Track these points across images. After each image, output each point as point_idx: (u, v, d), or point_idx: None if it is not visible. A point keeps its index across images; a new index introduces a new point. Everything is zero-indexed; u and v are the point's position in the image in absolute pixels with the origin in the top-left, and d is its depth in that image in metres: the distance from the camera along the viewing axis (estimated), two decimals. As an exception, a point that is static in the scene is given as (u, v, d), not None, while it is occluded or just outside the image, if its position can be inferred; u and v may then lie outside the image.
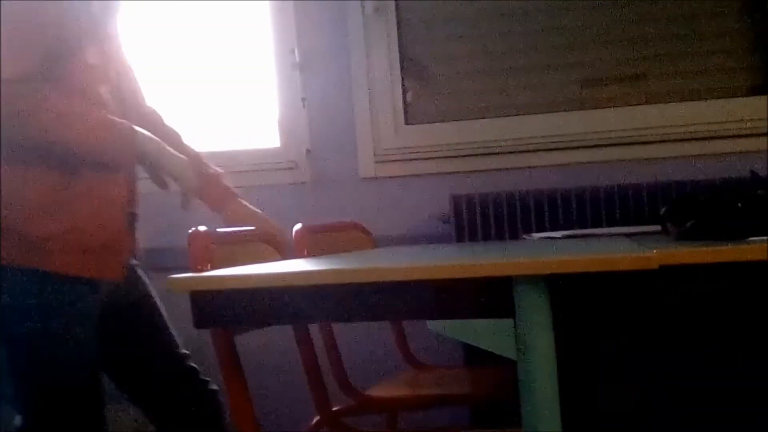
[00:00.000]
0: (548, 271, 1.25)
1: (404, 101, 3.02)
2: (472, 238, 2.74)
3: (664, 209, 1.62)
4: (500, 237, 2.77)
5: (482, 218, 2.77)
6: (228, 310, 1.36)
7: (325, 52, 3.02)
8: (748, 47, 2.89)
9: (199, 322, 1.37)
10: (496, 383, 2.37)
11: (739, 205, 1.51)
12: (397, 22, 3.02)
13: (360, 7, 2.98)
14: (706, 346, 2.62)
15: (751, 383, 2.59)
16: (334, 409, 2.01)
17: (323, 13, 3.01)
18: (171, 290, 1.35)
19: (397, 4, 3.02)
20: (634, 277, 1.30)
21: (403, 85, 3.02)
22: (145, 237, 1.96)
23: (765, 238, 1.47)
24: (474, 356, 2.66)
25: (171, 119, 2.14)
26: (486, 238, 2.76)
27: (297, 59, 3.02)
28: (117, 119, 1.72)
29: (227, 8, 3.16)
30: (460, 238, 2.75)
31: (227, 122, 3.19)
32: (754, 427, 2.60)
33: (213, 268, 1.57)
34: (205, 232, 1.64)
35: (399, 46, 3.02)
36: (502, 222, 2.76)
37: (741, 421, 2.61)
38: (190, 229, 1.61)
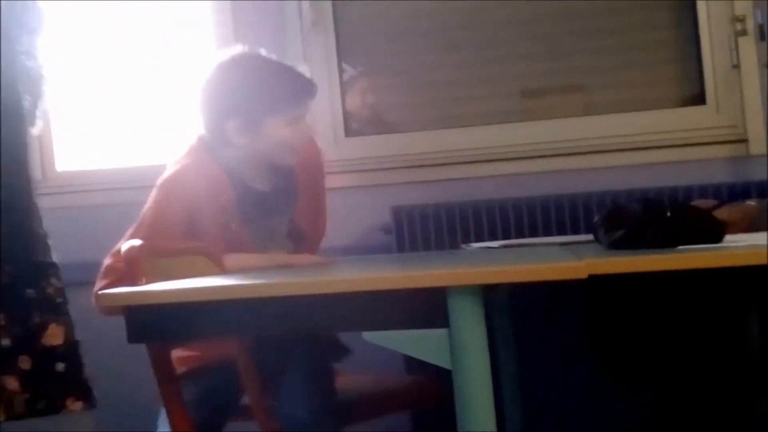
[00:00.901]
0: (480, 281, 1.26)
1: (343, 113, 3.03)
2: (413, 248, 2.76)
3: (595, 219, 1.65)
4: (440, 247, 2.79)
5: (422, 229, 2.79)
6: (162, 325, 1.35)
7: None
8: (681, 59, 2.96)
9: (133, 336, 1.36)
10: (436, 391, 2.39)
11: (668, 214, 1.54)
12: (336, 35, 3.03)
13: (298, 20, 2.99)
14: (633, 355, 2.67)
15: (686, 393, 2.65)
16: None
17: (261, 26, 3.00)
18: (104, 305, 1.33)
19: (335, 17, 3.03)
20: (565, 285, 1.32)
21: (342, 96, 3.03)
22: (77, 251, 1.93)
23: (693, 247, 1.51)
24: (414, 365, 2.66)
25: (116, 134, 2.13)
26: (426, 248, 2.78)
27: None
28: None
29: (165, 18, 3.14)
30: (401, 249, 2.77)
31: (162, 136, 3.15)
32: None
33: (148, 282, 1.55)
34: (139, 245, 1.62)
35: (338, 59, 3.03)
36: (441, 232, 2.78)
37: None
38: (107, 242, 1.59)
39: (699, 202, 1.98)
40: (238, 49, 2.20)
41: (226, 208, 2.12)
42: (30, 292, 1.75)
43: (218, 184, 2.12)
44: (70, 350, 1.78)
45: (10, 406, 1.71)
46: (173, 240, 2.04)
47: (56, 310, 1.78)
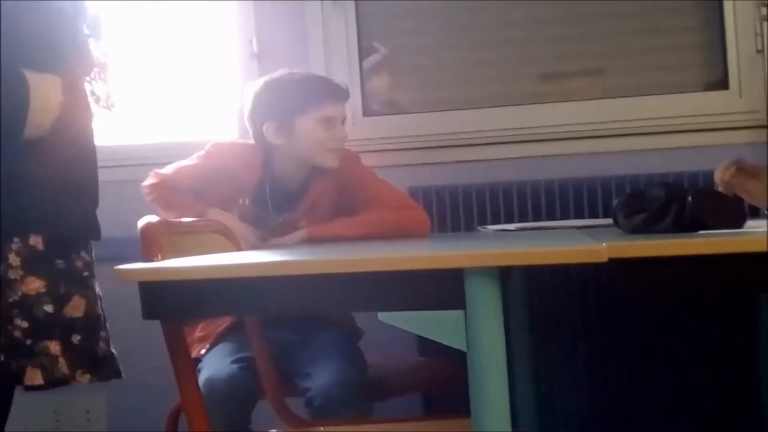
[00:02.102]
0: (498, 264, 1.25)
1: (362, 92, 3.02)
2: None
3: (615, 203, 1.63)
4: (456, 229, 2.78)
5: (438, 210, 2.78)
6: (177, 302, 1.35)
7: (284, 42, 3.00)
8: (705, 44, 2.93)
9: (148, 313, 1.36)
10: (448, 373, 2.39)
11: (690, 199, 1.53)
12: (356, 14, 3.01)
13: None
14: (652, 342, 2.66)
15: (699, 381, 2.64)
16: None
17: (282, 3, 2.99)
18: (119, 280, 1.33)
19: (355, -4, 3.01)
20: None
21: (361, 76, 3.01)
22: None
23: (714, 232, 1.49)
24: (426, 347, 2.67)
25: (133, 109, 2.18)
26: (442, 229, 2.77)
27: (255, 49, 3.00)
28: None
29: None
30: (417, 230, 2.75)
31: (186, 113, 3.16)
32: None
33: (164, 258, 1.55)
34: (156, 222, 1.62)
35: (357, 39, 3.01)
36: (458, 214, 2.77)
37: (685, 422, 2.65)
38: (137, 219, 1.59)
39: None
40: (279, 71, 2.44)
41: (245, 186, 2.36)
42: (59, 262, 1.75)
43: (250, 166, 2.38)
44: (89, 323, 1.77)
45: (52, 369, 1.70)
46: (182, 189, 2.33)
47: (81, 282, 1.78)
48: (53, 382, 1.70)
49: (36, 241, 1.72)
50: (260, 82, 2.42)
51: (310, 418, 2.12)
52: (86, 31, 1.84)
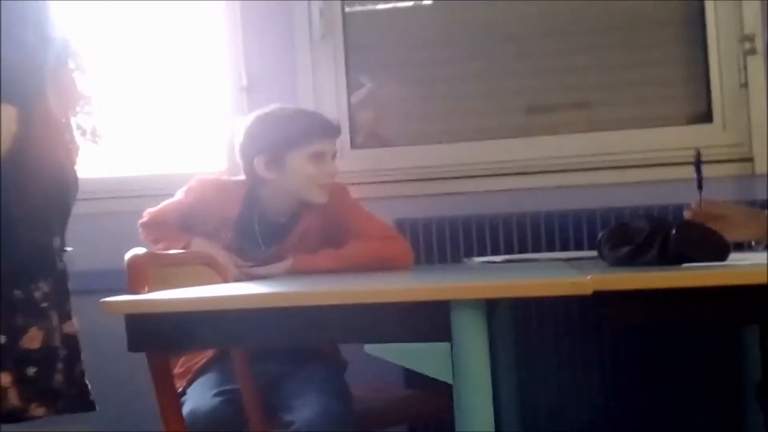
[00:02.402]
0: (485, 296, 1.26)
1: (350, 125, 3.04)
2: (416, 261, 2.75)
3: (600, 235, 1.64)
4: (443, 261, 2.79)
5: (425, 242, 2.78)
6: (163, 334, 1.35)
7: (273, 75, 3.02)
8: (689, 77, 2.96)
9: (134, 345, 1.36)
10: (434, 406, 2.38)
11: (674, 232, 1.54)
12: (344, 48, 3.03)
13: (308, 32, 2.99)
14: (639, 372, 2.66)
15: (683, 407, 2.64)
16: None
17: (271, 37, 3.01)
18: (106, 313, 1.33)
19: (344, 30, 3.03)
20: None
21: (349, 109, 3.03)
22: (80, 260, 1.93)
23: (697, 265, 1.50)
24: (413, 379, 2.66)
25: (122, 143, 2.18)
26: (429, 261, 2.78)
27: (244, 82, 3.02)
28: None
29: (175, 25, 3.14)
30: (404, 262, 2.76)
31: (173, 145, 3.17)
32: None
33: (150, 290, 1.55)
34: (143, 254, 1.62)
35: (346, 71, 3.03)
36: (445, 246, 2.78)
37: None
38: (119, 251, 1.59)
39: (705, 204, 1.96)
40: (270, 105, 2.45)
41: (225, 221, 2.38)
42: (18, 293, 1.72)
43: (229, 201, 2.40)
44: (46, 356, 1.74)
45: (5, 400, 1.68)
46: (168, 223, 2.37)
47: (40, 314, 1.74)
48: (4, 415, 1.67)
49: None
50: (251, 116, 2.43)
51: None
52: (71, 65, 1.84)
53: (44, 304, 1.76)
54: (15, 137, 1.71)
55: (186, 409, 2.11)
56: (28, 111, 1.75)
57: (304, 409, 2.12)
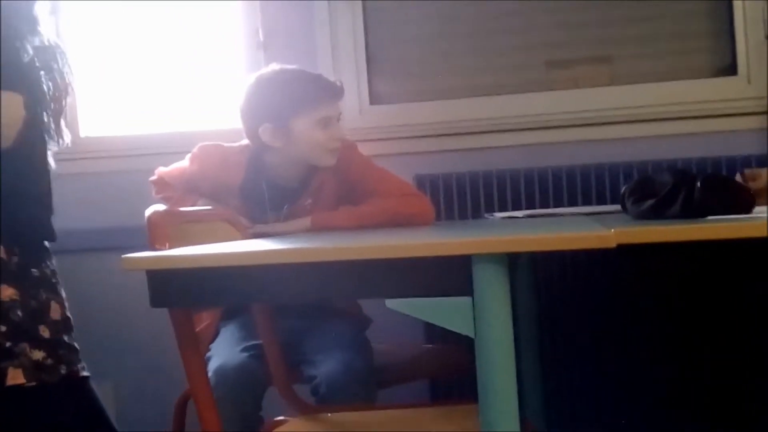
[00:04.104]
0: (506, 250, 1.25)
1: (369, 81, 3.01)
2: (437, 217, 2.74)
3: (624, 189, 1.63)
4: (463, 217, 2.78)
5: (446, 198, 2.77)
6: (185, 289, 1.35)
7: (290, 32, 3.00)
8: (713, 30, 2.91)
9: (156, 301, 1.36)
10: (455, 360, 2.39)
11: (698, 185, 1.52)
12: (363, 2, 3.00)
13: (326, -13, 2.96)
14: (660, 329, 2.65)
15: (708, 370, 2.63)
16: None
17: (288, -5, 2.98)
18: (126, 269, 1.34)
19: (362, -15, 3.00)
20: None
21: (368, 65, 3.00)
22: (100, 217, 1.97)
23: (722, 217, 1.48)
24: (433, 334, 2.67)
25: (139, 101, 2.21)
26: (449, 217, 2.77)
27: (261, 39, 2.99)
28: None
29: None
30: (424, 218, 2.75)
31: (191, 102, 3.16)
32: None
33: (171, 247, 1.55)
34: (163, 211, 1.62)
35: (364, 27, 3.00)
36: (465, 201, 2.77)
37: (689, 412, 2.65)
38: (131, 209, 1.60)
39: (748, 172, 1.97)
40: (270, 67, 2.39)
41: (229, 188, 2.35)
42: (34, 271, 1.86)
43: (232, 168, 2.36)
44: (66, 324, 1.90)
45: (39, 372, 1.78)
46: (177, 188, 2.35)
47: (54, 289, 1.90)
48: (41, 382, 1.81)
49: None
50: (252, 80, 2.36)
51: (316, 405, 2.12)
52: (38, 64, 1.89)
53: (54, 280, 1.86)
54: (24, 122, 1.81)
55: (213, 365, 2.12)
56: (35, 99, 1.83)
57: (327, 363, 2.13)
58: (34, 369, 1.78)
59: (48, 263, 1.91)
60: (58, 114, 1.96)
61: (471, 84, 3.00)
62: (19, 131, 1.80)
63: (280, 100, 2.30)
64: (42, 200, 1.92)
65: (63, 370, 1.83)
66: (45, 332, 1.82)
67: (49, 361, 1.81)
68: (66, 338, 1.87)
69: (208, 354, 2.23)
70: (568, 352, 2.71)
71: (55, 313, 1.86)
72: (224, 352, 2.18)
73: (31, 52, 1.86)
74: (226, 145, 2.44)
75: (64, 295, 1.92)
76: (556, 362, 2.69)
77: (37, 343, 1.81)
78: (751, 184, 1.98)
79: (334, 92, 2.35)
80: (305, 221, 2.31)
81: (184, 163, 2.42)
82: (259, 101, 2.32)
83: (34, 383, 1.78)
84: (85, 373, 1.89)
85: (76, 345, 1.90)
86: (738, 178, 2.00)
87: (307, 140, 2.31)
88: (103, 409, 1.92)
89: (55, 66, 1.92)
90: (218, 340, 2.28)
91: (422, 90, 3.02)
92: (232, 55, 3.09)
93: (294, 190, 2.40)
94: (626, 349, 2.68)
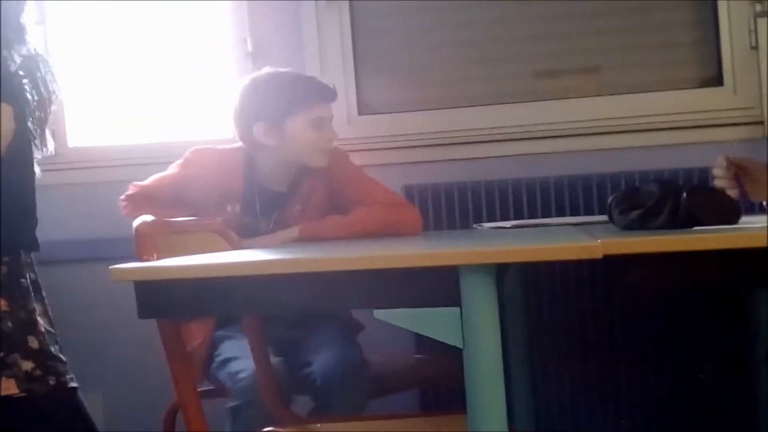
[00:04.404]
0: (494, 261, 1.25)
1: (357, 91, 3.01)
2: (425, 227, 2.74)
3: (610, 199, 1.64)
4: (452, 227, 2.78)
5: (434, 208, 2.78)
6: (173, 300, 1.35)
7: (278, 41, 3.00)
8: (699, 40, 2.93)
9: (143, 312, 1.36)
10: (444, 371, 2.39)
11: (684, 195, 1.53)
12: (350, 13, 3.00)
13: (313, -4, 2.97)
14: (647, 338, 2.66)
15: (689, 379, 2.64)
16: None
17: (276, 2, 2.98)
18: (114, 280, 1.33)
19: (350, -6, 3.01)
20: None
21: (356, 74, 3.01)
22: (89, 227, 1.97)
23: (708, 228, 1.49)
24: (423, 344, 2.67)
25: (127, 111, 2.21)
26: (438, 227, 2.77)
27: (249, 48, 3.00)
28: None
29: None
30: (413, 228, 2.75)
31: (180, 112, 3.15)
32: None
33: (159, 258, 1.55)
34: (152, 221, 1.62)
35: (352, 37, 3.01)
36: (454, 212, 2.77)
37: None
38: (118, 219, 1.60)
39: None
40: (264, 69, 2.42)
41: (231, 192, 2.36)
42: (23, 281, 1.87)
43: (231, 171, 2.37)
44: (52, 336, 1.90)
45: (29, 383, 1.79)
46: (159, 200, 2.34)
47: (39, 299, 1.90)
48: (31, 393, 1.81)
49: None
50: (246, 81, 2.39)
51: (314, 401, 2.17)
52: (21, 72, 1.90)
53: (37, 290, 1.90)
54: (13, 134, 1.80)
55: (239, 367, 2.12)
56: (22, 109, 1.83)
57: (321, 357, 2.16)
58: (24, 380, 1.78)
59: (31, 274, 1.91)
60: (42, 123, 1.96)
61: (459, 94, 3.00)
62: (9, 143, 1.80)
63: (275, 99, 2.33)
64: (28, 210, 1.92)
65: (52, 381, 1.83)
66: (34, 343, 1.82)
67: (38, 372, 1.81)
68: (53, 349, 1.87)
69: (222, 353, 2.23)
70: (557, 361, 2.71)
71: (41, 324, 1.86)
72: (247, 357, 2.12)
73: (17, 61, 1.86)
74: (219, 147, 2.45)
75: (46, 306, 1.92)
76: (544, 371, 2.69)
77: (26, 353, 1.81)
78: (732, 160, 2.00)
79: (328, 94, 2.39)
80: (293, 231, 2.31)
81: (169, 172, 2.40)
82: (254, 100, 2.35)
83: (24, 394, 1.77)
84: (73, 384, 1.89)
85: (62, 356, 1.89)
86: (720, 159, 2.02)
87: (300, 139, 2.33)
88: (91, 421, 1.92)
89: (39, 74, 1.92)
90: (233, 343, 2.26)
91: (410, 100, 3.03)
92: (220, 65, 3.09)
93: (283, 195, 2.40)
94: (614, 359, 2.69)
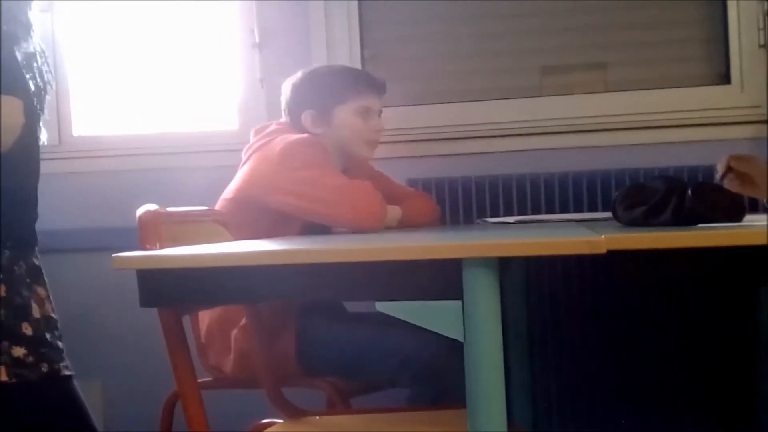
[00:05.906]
0: (496, 254, 1.25)
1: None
2: (428, 222, 2.75)
3: (615, 195, 1.63)
4: (455, 222, 2.78)
5: (438, 202, 2.77)
6: (175, 289, 1.35)
7: (285, 32, 3.00)
8: (707, 38, 2.92)
9: (145, 300, 1.36)
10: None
11: (689, 192, 1.52)
12: (358, 5, 3.00)
13: (322, -9, 2.96)
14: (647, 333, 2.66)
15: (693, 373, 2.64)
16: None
17: (284, -2, 2.98)
18: (116, 268, 1.33)
19: (357, -10, 3.00)
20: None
21: (362, 66, 3.01)
22: (93, 216, 1.96)
23: (712, 225, 1.49)
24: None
25: (133, 100, 2.19)
26: (441, 222, 2.77)
27: (257, 39, 3.00)
28: None
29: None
30: (416, 222, 2.75)
31: (185, 103, 3.15)
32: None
33: (162, 247, 1.55)
34: (155, 210, 1.62)
35: (360, 31, 3.00)
36: (457, 206, 2.77)
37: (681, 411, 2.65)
38: (123, 208, 1.60)
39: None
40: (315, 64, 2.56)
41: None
42: (18, 268, 1.86)
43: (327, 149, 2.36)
44: (49, 323, 1.90)
45: (20, 369, 1.79)
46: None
47: (37, 286, 1.89)
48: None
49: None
50: (299, 73, 2.46)
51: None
52: (23, 65, 1.90)
53: (38, 277, 1.92)
54: (23, 128, 1.81)
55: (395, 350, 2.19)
56: (29, 102, 1.83)
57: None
58: (15, 366, 1.78)
59: (32, 260, 1.91)
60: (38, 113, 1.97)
61: (465, 88, 3.00)
62: (18, 137, 1.80)
63: (324, 88, 2.40)
64: (31, 205, 1.93)
65: (44, 368, 1.82)
66: (27, 329, 1.82)
67: (30, 358, 1.81)
68: (48, 336, 1.86)
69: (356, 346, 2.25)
70: (558, 356, 2.71)
71: (37, 311, 1.86)
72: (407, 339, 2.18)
73: (20, 56, 1.86)
74: (301, 135, 2.35)
75: (48, 293, 1.92)
76: (545, 366, 2.69)
77: (19, 340, 1.80)
78: (734, 164, 2.01)
79: (377, 85, 2.45)
80: (397, 212, 2.40)
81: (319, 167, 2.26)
82: (306, 90, 2.41)
83: (15, 380, 1.77)
84: (67, 372, 1.88)
85: (59, 344, 1.89)
86: (722, 160, 2.04)
87: (347, 128, 2.39)
88: (85, 409, 1.91)
89: (35, 65, 1.93)
90: (359, 330, 2.28)
91: (416, 94, 3.02)
92: (227, 56, 3.09)
93: None
94: (615, 354, 2.68)
